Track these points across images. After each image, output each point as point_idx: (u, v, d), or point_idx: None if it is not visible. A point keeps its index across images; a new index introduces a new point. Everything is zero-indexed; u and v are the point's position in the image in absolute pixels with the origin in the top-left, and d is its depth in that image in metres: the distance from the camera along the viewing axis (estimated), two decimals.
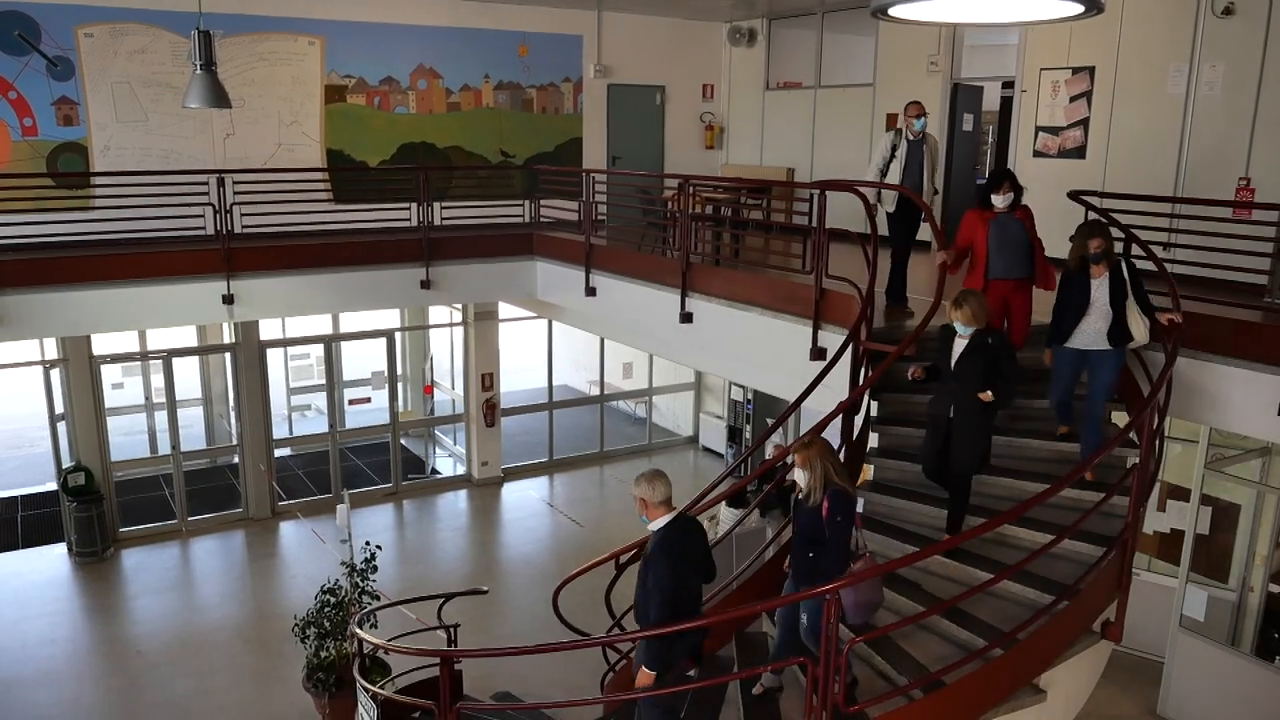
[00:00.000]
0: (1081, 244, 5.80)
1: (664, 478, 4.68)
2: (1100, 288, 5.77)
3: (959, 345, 5.42)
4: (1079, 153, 9.65)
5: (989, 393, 5.27)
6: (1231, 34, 8.34)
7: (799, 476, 4.80)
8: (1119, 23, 9.11)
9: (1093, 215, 6.77)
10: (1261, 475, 8.43)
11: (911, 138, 7.71)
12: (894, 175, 7.71)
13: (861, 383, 6.09)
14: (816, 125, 12.73)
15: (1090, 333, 5.81)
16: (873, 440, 6.41)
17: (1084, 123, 9.61)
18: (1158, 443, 5.60)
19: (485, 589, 8.20)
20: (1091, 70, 9.48)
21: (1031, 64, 10.02)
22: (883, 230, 7.39)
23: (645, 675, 4.57)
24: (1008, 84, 11.03)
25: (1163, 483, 8.77)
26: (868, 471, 6.37)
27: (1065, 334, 5.88)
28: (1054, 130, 9.88)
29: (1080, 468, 5.30)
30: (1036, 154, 10.05)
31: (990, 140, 14.78)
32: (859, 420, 6.27)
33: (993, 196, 6.34)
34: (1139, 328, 5.75)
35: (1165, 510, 9.01)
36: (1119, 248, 6.43)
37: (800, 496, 4.81)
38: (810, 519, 4.76)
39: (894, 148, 7.76)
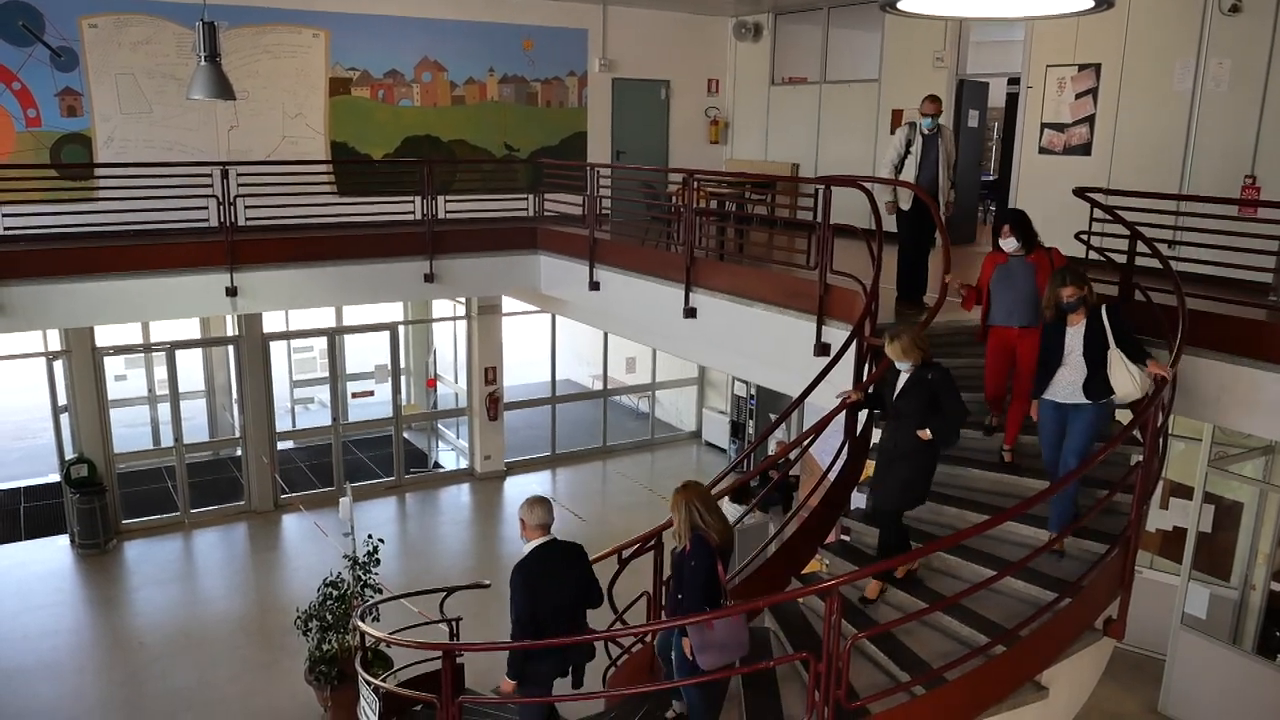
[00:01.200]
0: (1054, 291, 5.35)
1: (544, 504, 5.12)
2: (1075, 336, 5.29)
3: (901, 380, 5.26)
4: (1084, 150, 9.62)
5: (926, 431, 5.09)
6: (1239, 31, 8.30)
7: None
8: (1125, 19, 9.08)
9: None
10: (1264, 474, 8.43)
11: (925, 132, 7.61)
12: (909, 171, 7.60)
13: (865, 379, 6.08)
14: (821, 120, 12.70)
15: (1065, 385, 5.34)
16: (876, 436, 6.39)
17: (1090, 119, 9.58)
18: (1161, 441, 5.59)
19: (488, 583, 8.21)
20: (1097, 67, 9.45)
21: (1037, 60, 9.99)
22: (892, 227, 7.37)
23: (506, 683, 5.07)
24: (1013, 80, 11.01)
25: (1165, 480, 8.75)
26: (870, 468, 6.36)
27: (1043, 387, 5.45)
28: (1059, 127, 9.85)
29: (1049, 544, 4.96)
30: (1042, 151, 10.02)
31: (995, 137, 14.77)
32: (862, 416, 6.26)
33: (998, 240, 6.03)
34: (1124, 380, 5.18)
35: (1168, 508, 9.00)
36: (1120, 250, 6.43)
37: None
38: (676, 561, 4.92)
39: (909, 143, 7.64)
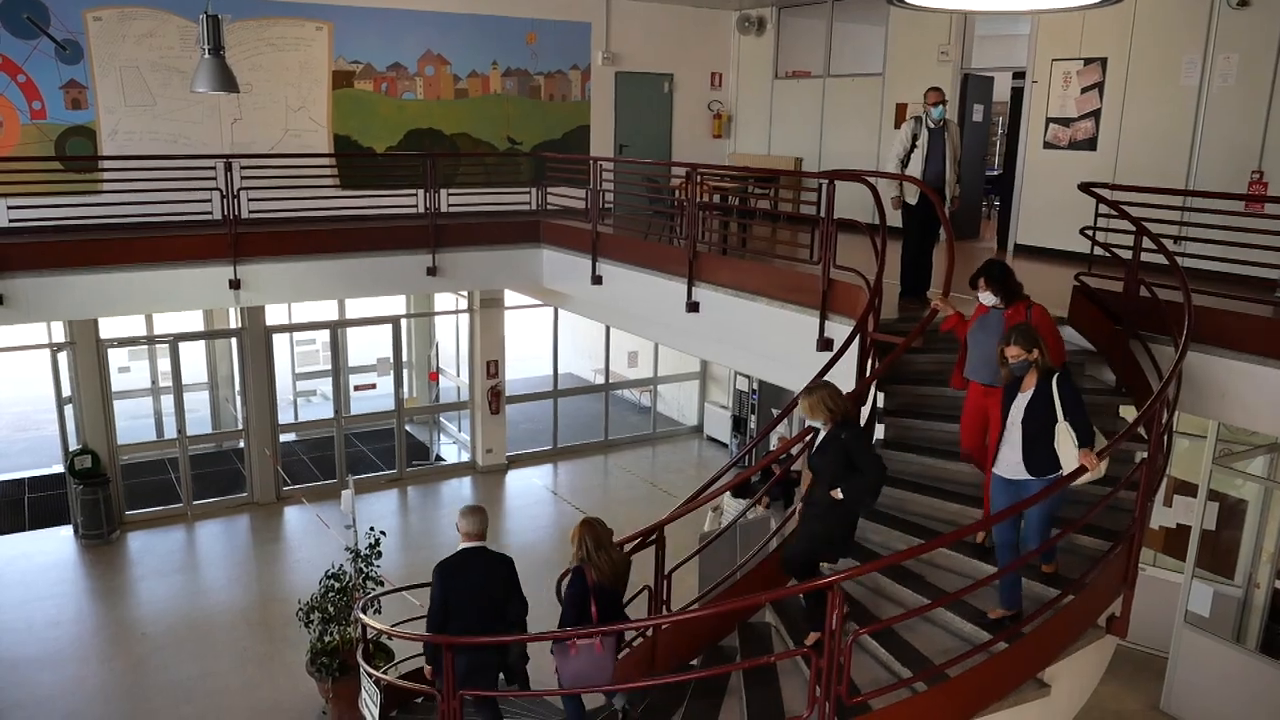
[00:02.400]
0: (999, 348, 4.92)
1: (478, 515, 5.52)
2: (1020, 403, 4.84)
3: (820, 436, 5.09)
4: (1090, 144, 9.59)
5: (837, 490, 4.88)
6: (1246, 25, 8.26)
7: None
8: (1132, 13, 9.03)
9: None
10: (1269, 471, 8.40)
11: (931, 125, 7.55)
12: (915, 165, 7.54)
13: (868, 374, 6.06)
14: (825, 115, 12.67)
15: (1007, 461, 4.90)
16: (879, 432, 6.38)
17: (1095, 114, 9.54)
18: (1166, 438, 5.57)
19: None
20: (1104, 61, 9.41)
21: (1043, 54, 9.94)
22: (897, 221, 7.34)
23: (428, 669, 5.59)
24: (1018, 74, 10.96)
25: (1170, 478, 8.73)
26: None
27: (992, 458, 5.02)
28: (1065, 122, 9.81)
29: (1001, 634, 4.62)
30: (1047, 145, 9.99)
31: (1000, 131, 14.71)
32: (865, 412, 6.24)
33: (976, 291, 5.58)
34: (1072, 458, 4.69)
35: (1172, 505, 8.98)
36: (1125, 246, 6.39)
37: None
38: (558, 583, 5.34)
39: (914, 136, 7.57)
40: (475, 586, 5.39)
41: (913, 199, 7.54)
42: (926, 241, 7.64)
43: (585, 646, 5.15)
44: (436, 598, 5.39)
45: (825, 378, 6.25)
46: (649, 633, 6.13)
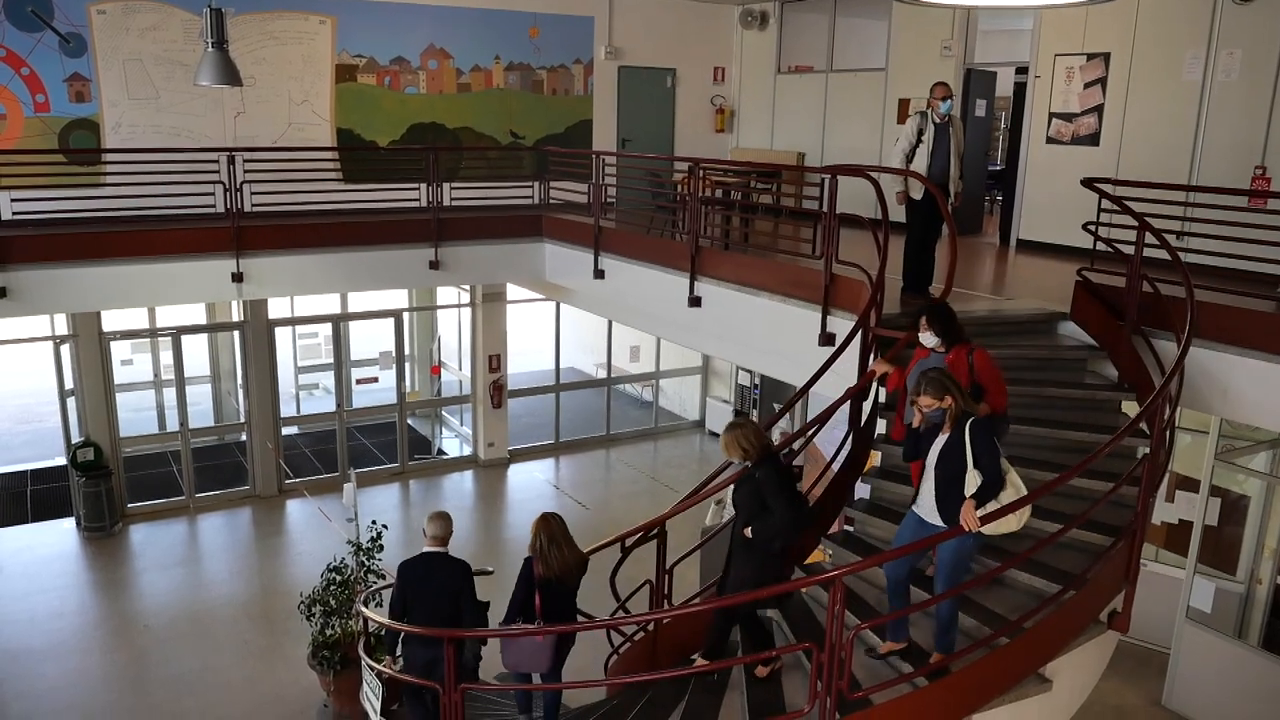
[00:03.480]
0: (912, 395, 4.79)
1: (441, 520, 5.88)
2: (935, 448, 4.68)
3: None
4: (1093, 140, 9.58)
5: (748, 529, 4.98)
6: (1250, 21, 8.24)
7: None
8: (1135, 8, 9.02)
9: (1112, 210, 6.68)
10: (1271, 467, 8.40)
11: (938, 120, 7.52)
12: (921, 160, 7.51)
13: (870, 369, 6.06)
14: (828, 110, 12.65)
15: (924, 502, 4.75)
16: (880, 426, 6.38)
17: (1098, 109, 9.52)
18: (1168, 433, 5.57)
19: (491, 569, 8.20)
20: (1107, 56, 9.39)
21: (1046, 49, 9.93)
22: (899, 217, 7.33)
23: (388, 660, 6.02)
24: (1021, 70, 10.95)
25: (1172, 473, 8.73)
26: (875, 458, 6.35)
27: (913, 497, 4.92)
28: (1068, 117, 9.80)
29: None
30: (1049, 141, 9.98)
31: (1003, 126, 14.69)
32: (867, 406, 6.25)
33: (919, 332, 5.44)
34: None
35: (1174, 501, 8.98)
36: (1128, 241, 6.37)
37: None
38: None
39: (920, 131, 7.54)
40: (431, 586, 5.72)
41: (918, 194, 7.51)
42: (929, 237, 7.62)
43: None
44: (396, 593, 5.81)
45: (829, 368, 6.28)
46: (650, 627, 6.14)
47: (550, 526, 5.65)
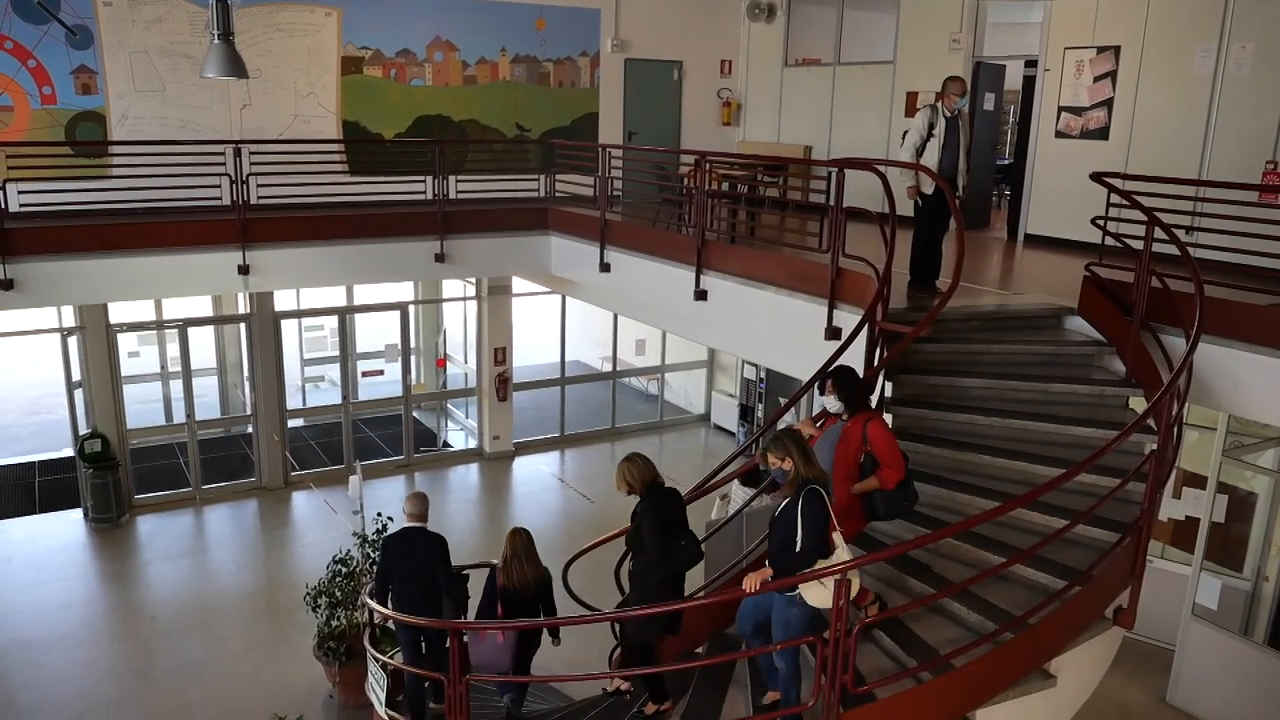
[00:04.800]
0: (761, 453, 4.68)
1: (418, 500, 6.43)
2: (775, 509, 4.66)
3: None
4: (1102, 134, 9.52)
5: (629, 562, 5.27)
6: (1262, 14, 8.18)
7: None
8: (1146, 2, 8.95)
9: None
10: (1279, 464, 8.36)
11: (949, 115, 7.51)
12: (932, 155, 7.49)
13: (876, 363, 6.04)
14: (835, 103, 12.60)
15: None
16: (886, 421, 6.36)
17: (1108, 103, 9.47)
18: (1176, 429, 5.54)
19: (496, 562, 8.23)
20: (1117, 50, 9.33)
21: (1055, 42, 9.87)
22: (907, 211, 7.30)
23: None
24: (1030, 63, 10.88)
25: (1179, 470, 8.70)
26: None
27: None
28: (1077, 110, 9.74)
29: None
30: (1059, 134, 9.92)
31: (1012, 120, 14.63)
32: (873, 401, 6.22)
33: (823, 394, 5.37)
34: (815, 588, 4.36)
35: (1180, 497, 8.95)
36: (1137, 236, 6.33)
37: None
38: None
39: (930, 125, 7.51)
40: (408, 558, 6.29)
41: (929, 189, 7.49)
42: (937, 231, 7.61)
43: (489, 635, 5.98)
44: (379, 567, 6.46)
45: (837, 360, 6.25)
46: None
47: (514, 542, 6.18)
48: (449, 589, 6.33)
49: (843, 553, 4.39)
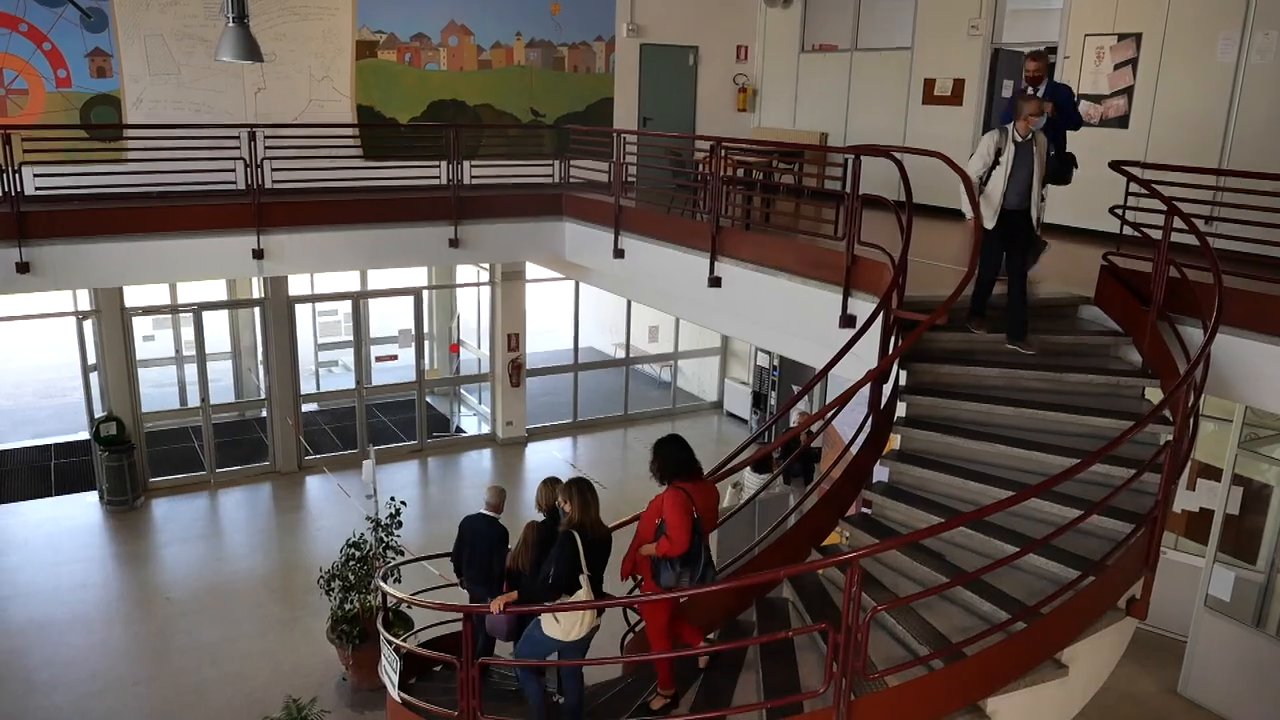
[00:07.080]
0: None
1: (498, 491, 6.94)
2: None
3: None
4: (1122, 122, 9.43)
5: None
6: None
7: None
8: None
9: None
10: None
11: (1019, 139, 6.39)
12: (997, 184, 6.48)
13: (891, 351, 6.02)
14: (852, 89, 12.51)
15: None
16: (900, 409, 6.35)
17: (1128, 91, 9.37)
18: (1192, 420, 5.50)
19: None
20: (1138, 37, 9.23)
21: (1076, 29, 9.76)
22: (923, 199, 7.22)
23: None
24: (1050, 50, 10.75)
25: (1194, 461, 8.64)
26: (894, 441, 6.31)
27: None
28: (1097, 98, 9.64)
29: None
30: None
31: None
32: (887, 389, 6.21)
33: None
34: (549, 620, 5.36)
35: (1195, 489, 8.90)
36: (1156, 225, 6.27)
37: None
38: None
39: (999, 151, 6.44)
40: (475, 539, 6.81)
41: (990, 224, 6.55)
42: (992, 272, 6.62)
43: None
44: (456, 545, 6.95)
45: (849, 350, 6.24)
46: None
47: (528, 534, 6.14)
48: (501, 571, 6.51)
49: (585, 590, 5.16)
